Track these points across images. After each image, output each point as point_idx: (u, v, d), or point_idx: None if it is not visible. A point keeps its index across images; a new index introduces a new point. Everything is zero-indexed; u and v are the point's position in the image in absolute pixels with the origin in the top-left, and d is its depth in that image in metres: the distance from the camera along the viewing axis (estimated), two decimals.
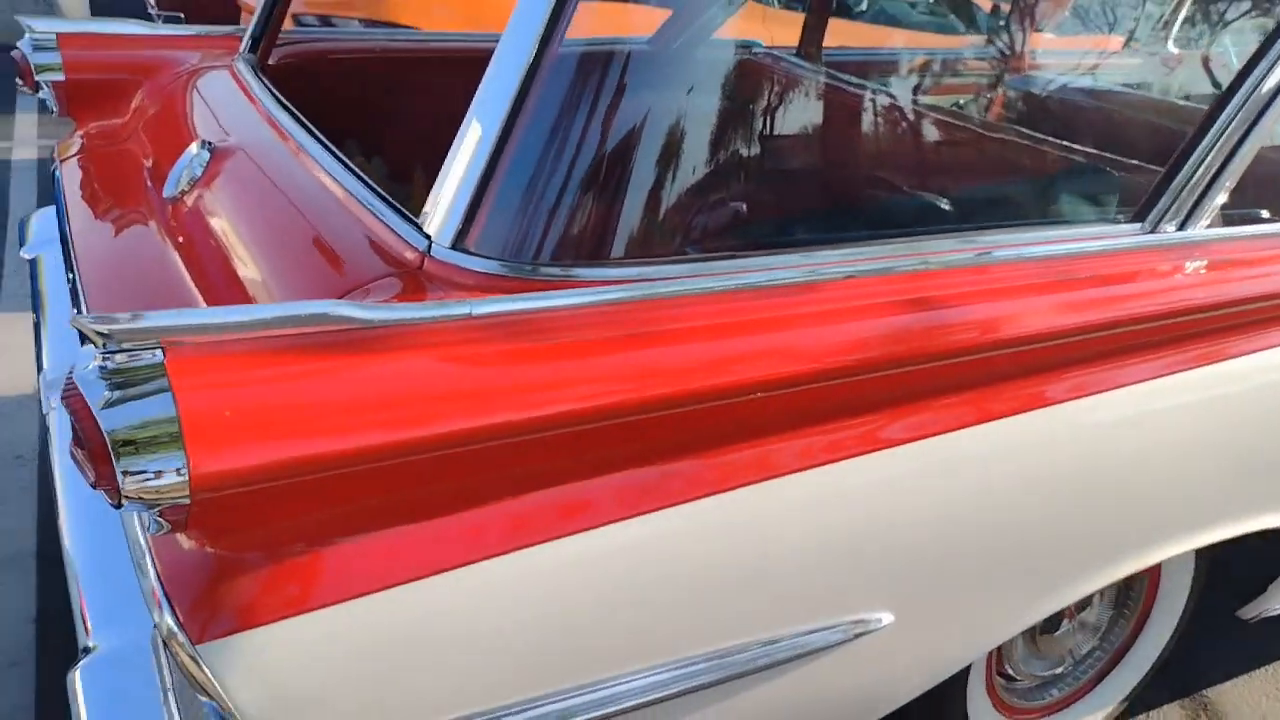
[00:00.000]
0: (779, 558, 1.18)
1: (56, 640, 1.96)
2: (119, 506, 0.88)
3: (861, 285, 1.21)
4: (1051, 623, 1.72)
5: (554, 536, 1.05)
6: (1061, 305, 1.34)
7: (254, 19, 2.02)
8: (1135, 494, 1.44)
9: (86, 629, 1.18)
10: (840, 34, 3.01)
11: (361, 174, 1.38)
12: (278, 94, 1.75)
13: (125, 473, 0.86)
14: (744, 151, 1.69)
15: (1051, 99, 2.44)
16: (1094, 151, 1.91)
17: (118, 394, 0.87)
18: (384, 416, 0.94)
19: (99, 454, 0.87)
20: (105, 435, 0.85)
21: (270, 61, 2.05)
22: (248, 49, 2.01)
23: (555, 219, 1.22)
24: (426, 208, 1.18)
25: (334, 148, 1.49)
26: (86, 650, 1.16)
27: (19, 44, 2.04)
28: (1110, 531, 1.44)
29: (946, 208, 1.71)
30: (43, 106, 5.79)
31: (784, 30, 2.65)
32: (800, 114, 2.19)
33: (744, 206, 1.58)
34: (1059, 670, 1.80)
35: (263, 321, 0.95)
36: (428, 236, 1.15)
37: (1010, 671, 1.74)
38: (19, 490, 2.37)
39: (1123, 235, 1.47)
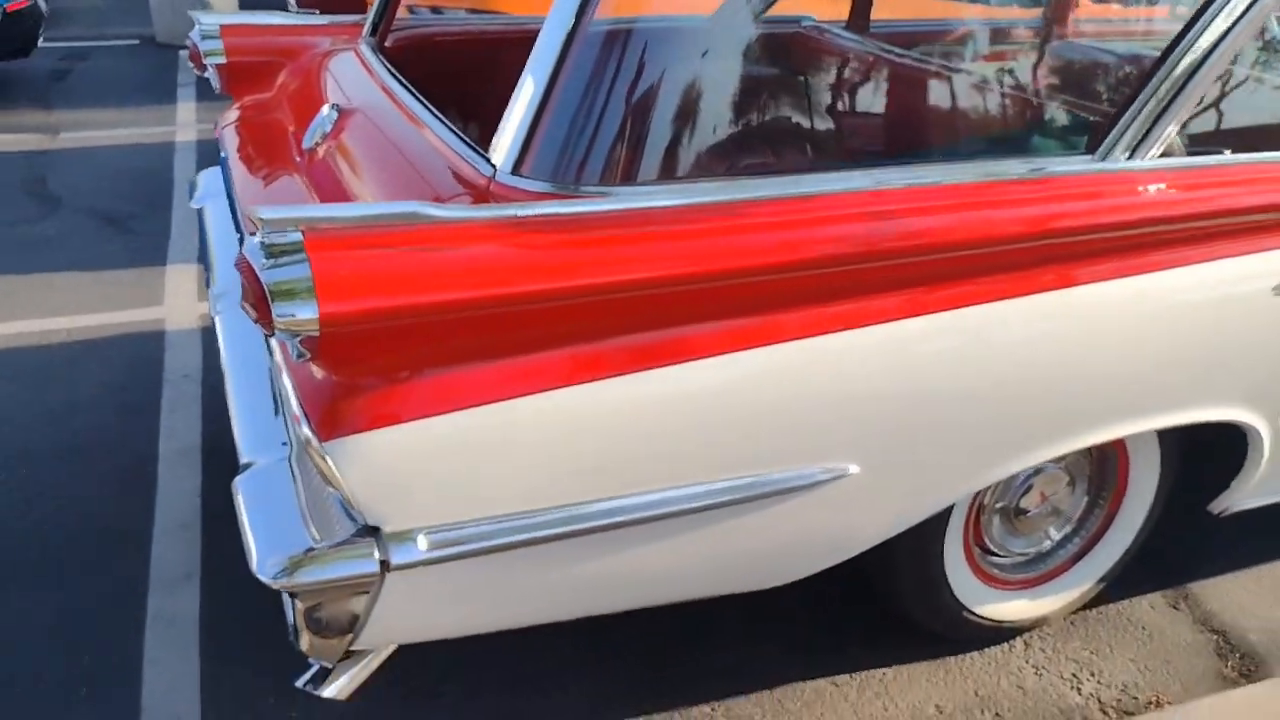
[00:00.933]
0: (767, 411, 1.53)
1: (216, 510, 2.45)
2: (271, 335, 1.30)
3: (852, 198, 1.55)
4: (1023, 506, 2.01)
5: (575, 382, 1.42)
6: (1017, 218, 1.64)
7: (373, 9, 2.45)
8: (1079, 378, 1.72)
9: (242, 452, 1.62)
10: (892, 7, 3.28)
11: (449, 124, 1.78)
12: (391, 68, 2.17)
13: (278, 314, 1.27)
14: (734, 100, 2.02)
15: (1050, 55, 2.67)
16: (1072, 99, 2.16)
17: (271, 260, 1.28)
18: (452, 280, 1.33)
19: (260, 302, 1.28)
20: (265, 286, 1.27)
21: (387, 44, 2.49)
22: (369, 34, 2.45)
23: (589, 152, 1.60)
24: (493, 145, 1.58)
25: (431, 106, 1.90)
26: (245, 466, 1.60)
27: (190, 34, 2.54)
28: (1054, 409, 1.73)
29: (938, 142, 2.01)
30: (201, 93, 6.48)
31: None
32: (804, 71, 2.49)
33: (728, 144, 1.92)
34: (1037, 549, 2.08)
35: (372, 215, 1.35)
36: (494, 166, 1.55)
37: (990, 545, 2.03)
38: (189, 400, 2.90)
39: (1078, 162, 1.76)
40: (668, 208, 1.49)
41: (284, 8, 6.09)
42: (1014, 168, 1.74)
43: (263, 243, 1.30)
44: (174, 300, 3.56)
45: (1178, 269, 1.75)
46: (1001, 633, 2.10)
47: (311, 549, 1.43)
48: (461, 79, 2.52)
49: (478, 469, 1.43)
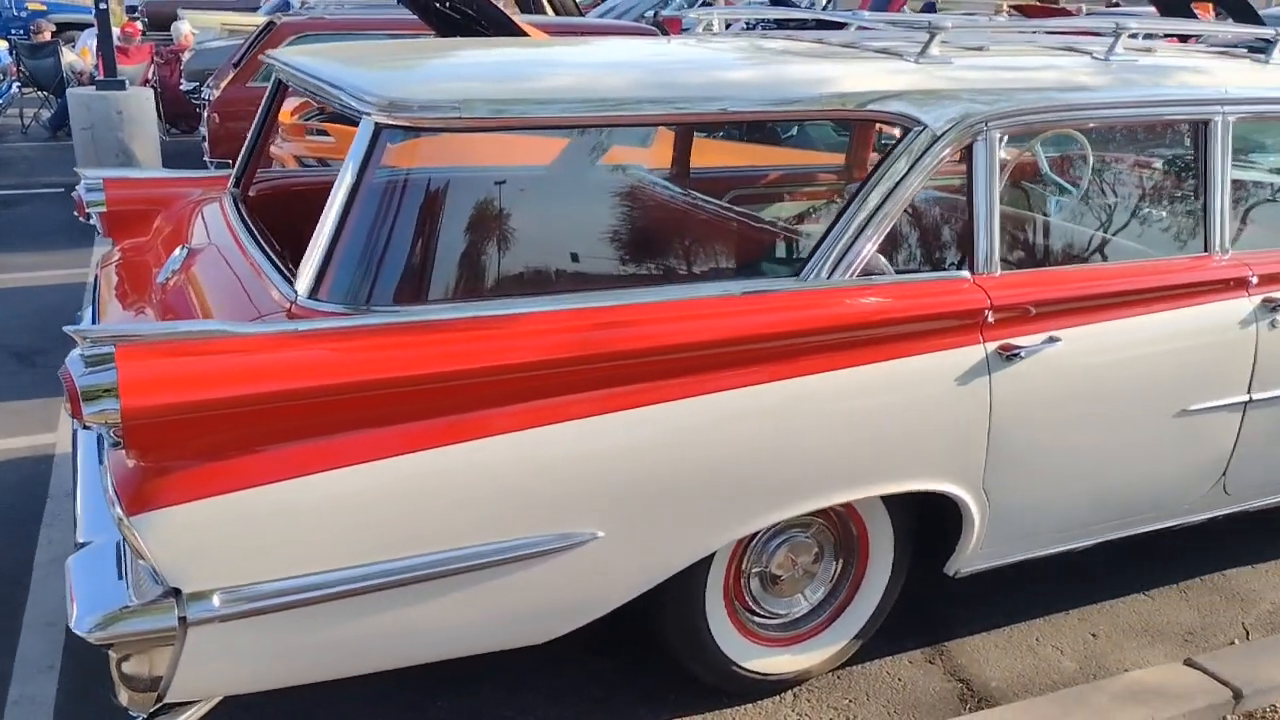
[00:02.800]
0: (521, 484, 1.87)
1: None
2: (86, 428, 1.62)
3: (594, 312, 1.95)
4: (777, 571, 2.34)
5: (351, 463, 1.76)
6: (730, 327, 2.04)
7: (238, 163, 2.86)
8: (784, 456, 2.09)
9: (81, 533, 1.92)
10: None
11: (276, 258, 2.16)
12: (244, 213, 2.56)
13: (87, 411, 1.60)
14: (497, 233, 2.43)
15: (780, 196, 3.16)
16: (790, 230, 2.63)
17: (86, 369, 1.62)
18: (237, 380, 1.68)
19: (74, 401, 1.62)
20: (78, 389, 1.60)
21: (250, 193, 2.89)
22: (233, 184, 2.85)
23: (375, 278, 1.98)
24: (298, 274, 1.95)
25: (265, 244, 2.28)
26: (81, 545, 1.89)
27: (76, 187, 2.92)
28: (769, 482, 2.09)
29: (684, 268, 2.44)
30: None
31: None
32: (562, 207, 2.95)
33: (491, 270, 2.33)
34: (797, 609, 2.41)
35: (177, 332, 1.71)
36: (296, 291, 1.92)
37: (752, 606, 2.35)
38: (69, 514, 3.15)
39: (785, 282, 2.18)
40: (417, 321, 1.86)
41: (203, 165, 6.59)
42: (733, 288, 2.16)
43: (82, 354, 1.64)
44: (67, 427, 3.82)
45: (863, 366, 2.15)
46: (771, 685, 2.40)
47: (126, 607, 1.72)
48: (308, 220, 2.91)
49: (268, 537, 1.75)
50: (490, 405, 1.86)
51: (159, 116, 9.20)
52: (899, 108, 2.24)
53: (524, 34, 4.16)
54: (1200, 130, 2.58)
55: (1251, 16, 12.23)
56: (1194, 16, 13.54)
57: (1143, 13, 4.87)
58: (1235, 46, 2.99)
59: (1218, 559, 3.03)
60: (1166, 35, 3.46)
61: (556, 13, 7.57)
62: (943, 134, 2.24)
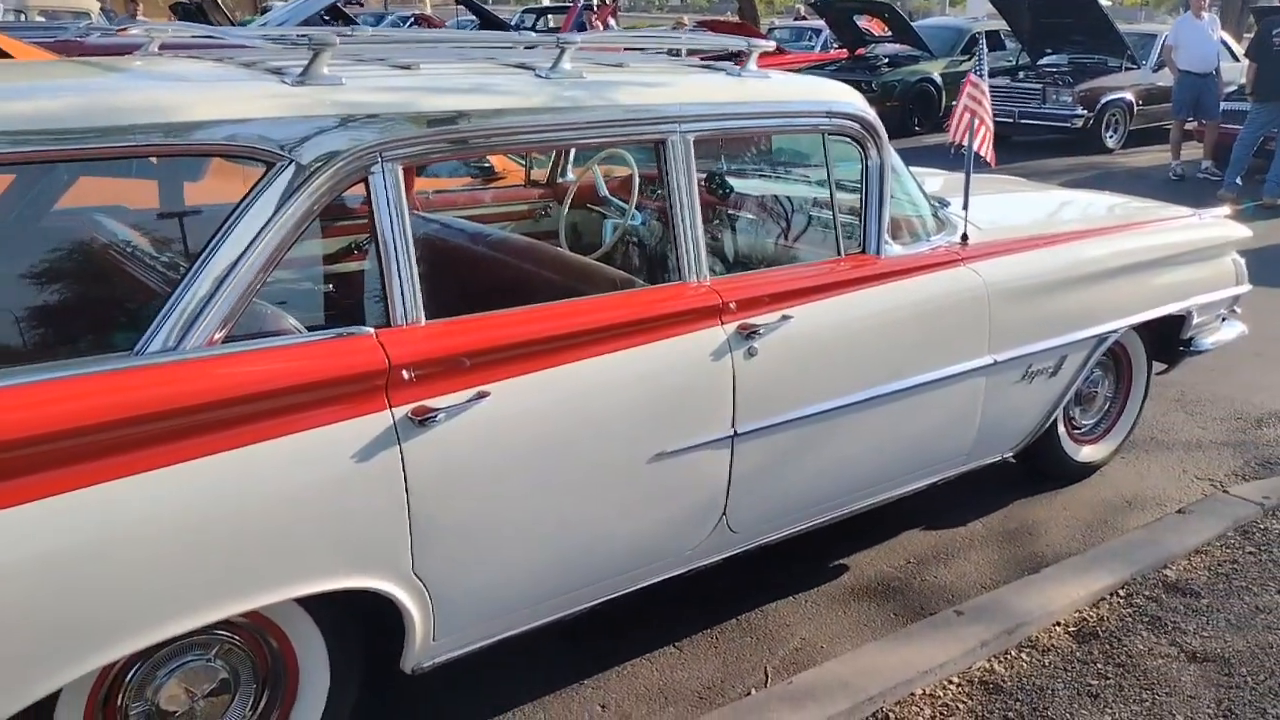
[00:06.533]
0: None
1: None
2: None
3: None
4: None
5: None
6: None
7: None
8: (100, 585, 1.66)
9: None
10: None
11: None
12: None
13: None
14: None
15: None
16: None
17: None
18: None
19: None
20: None
21: None
22: None
23: None
24: None
25: None
26: None
27: None
28: (94, 611, 1.66)
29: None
30: None
31: None
32: None
33: None
34: None
35: None
36: None
37: None
38: None
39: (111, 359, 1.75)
40: None
41: None
42: (51, 373, 1.71)
43: None
44: None
45: (219, 455, 1.76)
46: None
47: None
48: None
49: None
50: None
51: None
52: (248, 138, 1.87)
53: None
54: (660, 150, 2.40)
55: (912, 37, 13.07)
56: (857, 29, 14.35)
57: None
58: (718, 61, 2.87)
59: (756, 596, 2.89)
60: (628, 48, 3.32)
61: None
62: (315, 169, 1.89)
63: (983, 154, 2.97)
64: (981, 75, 2.95)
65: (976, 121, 2.93)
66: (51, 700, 1.71)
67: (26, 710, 1.65)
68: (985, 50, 3.06)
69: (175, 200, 2.88)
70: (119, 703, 1.86)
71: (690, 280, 2.41)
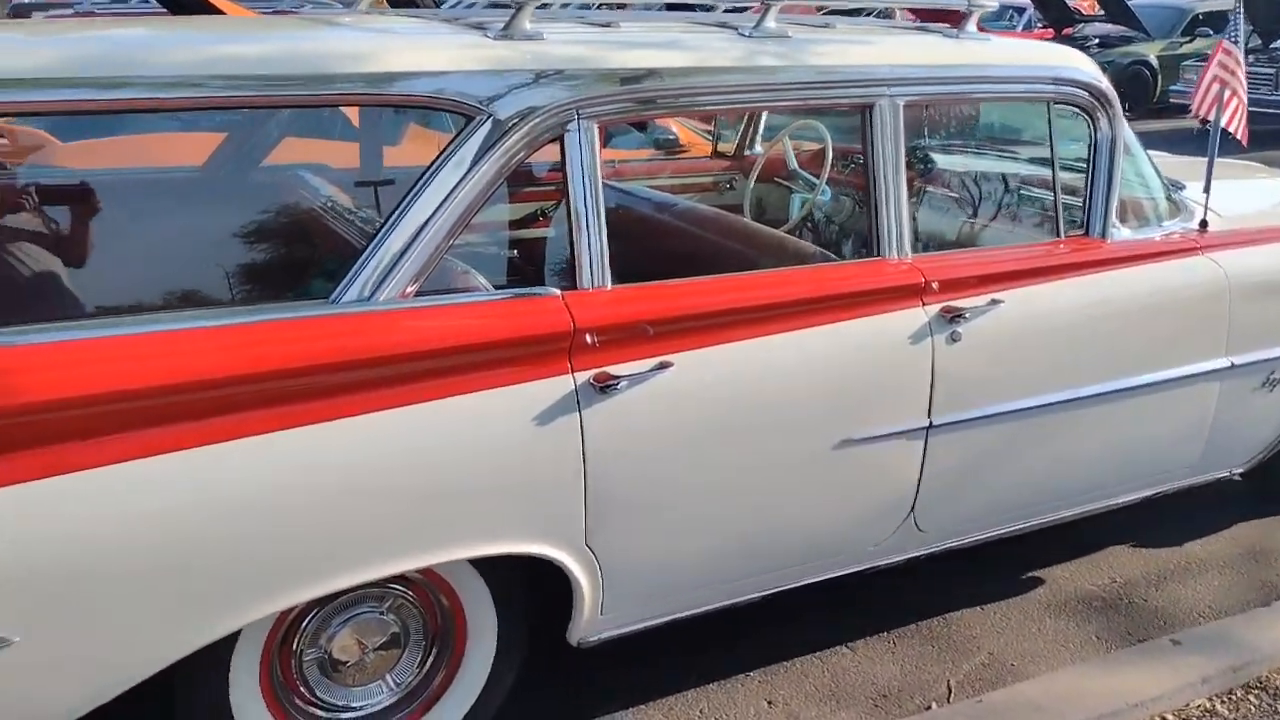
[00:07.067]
0: None
1: None
2: None
3: None
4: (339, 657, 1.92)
5: None
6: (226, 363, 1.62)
7: None
8: (294, 527, 1.67)
9: None
10: None
11: None
12: None
13: None
14: None
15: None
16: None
17: None
18: None
19: None
20: None
21: None
22: None
23: None
24: None
25: None
26: None
27: None
28: (283, 555, 1.67)
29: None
30: None
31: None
32: None
33: None
34: (375, 700, 1.99)
35: None
36: None
37: (310, 695, 1.92)
38: None
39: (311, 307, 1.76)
40: None
41: None
42: (251, 316, 1.73)
43: None
44: None
45: (407, 407, 1.74)
46: None
47: None
48: None
49: None
50: None
51: None
52: (453, 90, 1.83)
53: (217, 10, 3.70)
54: (865, 115, 2.23)
55: (1128, 16, 11.97)
56: (1065, 7, 13.27)
57: None
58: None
59: (940, 602, 2.69)
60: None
61: None
62: (513, 125, 1.84)
63: (1233, 131, 2.63)
64: (1235, 41, 2.62)
65: (1227, 93, 2.60)
66: (232, 639, 1.75)
67: (209, 646, 1.68)
68: (1241, 12, 2.71)
69: (375, 161, 2.95)
70: (294, 646, 1.89)
71: (890, 257, 2.24)
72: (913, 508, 2.32)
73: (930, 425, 2.24)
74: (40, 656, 1.53)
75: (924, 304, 2.22)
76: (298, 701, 1.92)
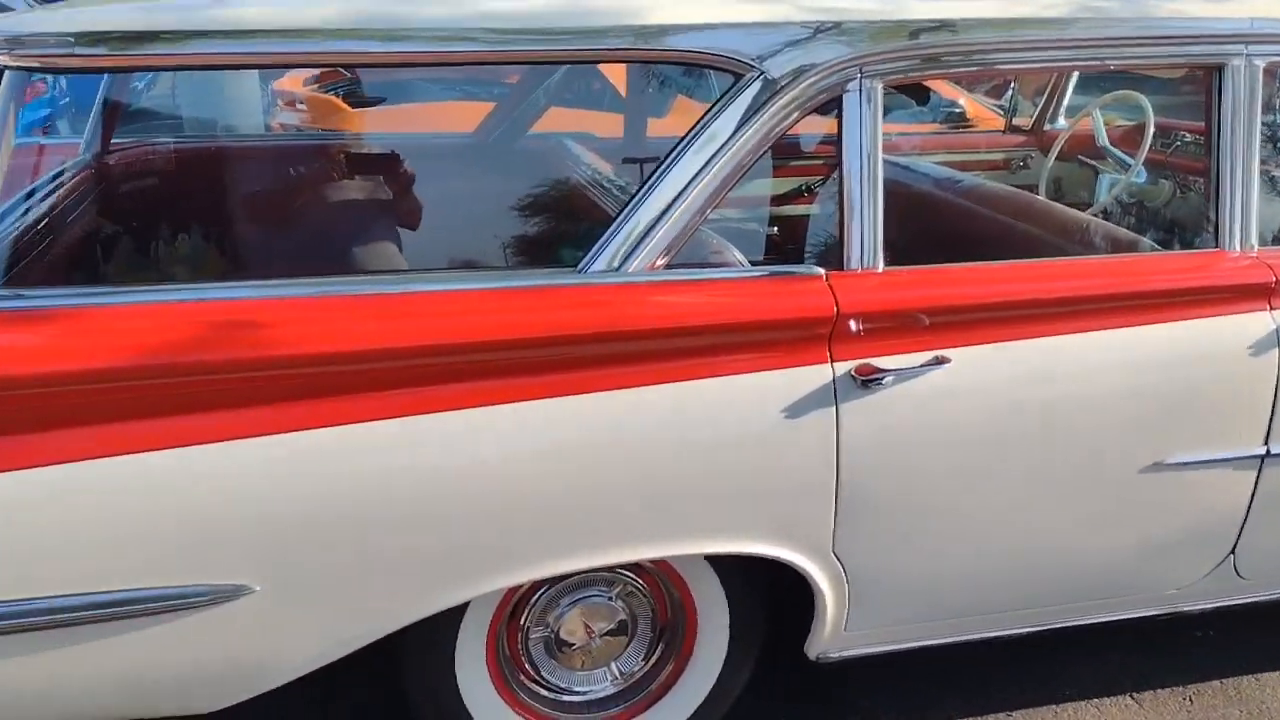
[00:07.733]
0: (144, 519, 1.48)
1: None
2: None
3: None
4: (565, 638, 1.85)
5: None
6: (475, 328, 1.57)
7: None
8: (524, 503, 1.59)
9: None
10: None
11: None
12: None
13: None
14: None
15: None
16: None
17: None
18: None
19: None
20: None
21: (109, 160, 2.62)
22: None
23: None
24: None
25: None
26: None
27: None
28: (510, 530, 1.61)
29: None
30: None
31: None
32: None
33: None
34: (598, 687, 1.91)
35: None
36: None
37: (534, 674, 1.87)
38: None
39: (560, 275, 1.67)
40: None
41: None
42: (497, 282, 1.68)
43: None
44: None
45: (651, 387, 1.61)
46: None
47: None
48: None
49: None
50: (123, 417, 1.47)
51: None
52: (722, 46, 1.68)
53: None
54: (1214, 78, 1.86)
55: None
56: None
57: None
58: None
59: (1246, 658, 2.26)
60: None
61: None
62: (784, 85, 1.66)
63: None
64: None
65: None
66: (460, 610, 1.71)
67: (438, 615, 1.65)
68: None
69: (639, 131, 2.87)
70: (521, 622, 1.84)
71: (1230, 249, 1.86)
72: (1234, 549, 1.94)
73: (1267, 454, 1.85)
74: (278, 607, 1.56)
75: (1272, 307, 1.83)
76: (522, 678, 1.88)
